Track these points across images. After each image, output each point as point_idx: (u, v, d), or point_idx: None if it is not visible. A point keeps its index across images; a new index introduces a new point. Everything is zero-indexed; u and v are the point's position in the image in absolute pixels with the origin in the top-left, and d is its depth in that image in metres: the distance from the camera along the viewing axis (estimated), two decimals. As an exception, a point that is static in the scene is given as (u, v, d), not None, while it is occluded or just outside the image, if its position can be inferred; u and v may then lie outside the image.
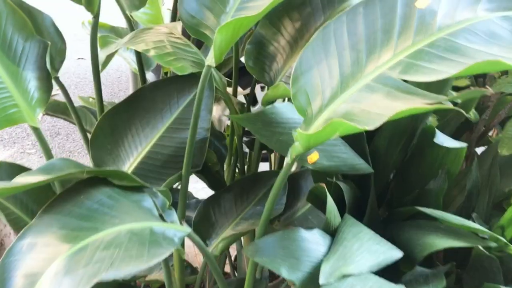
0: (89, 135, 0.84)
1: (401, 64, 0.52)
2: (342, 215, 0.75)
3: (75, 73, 3.52)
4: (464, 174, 0.91)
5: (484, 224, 0.89)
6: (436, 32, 0.51)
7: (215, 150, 0.98)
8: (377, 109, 0.48)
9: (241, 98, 1.41)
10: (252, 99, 1.17)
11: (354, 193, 0.80)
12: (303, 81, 0.59)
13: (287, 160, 0.58)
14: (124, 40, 0.85)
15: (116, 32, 1.32)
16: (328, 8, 0.80)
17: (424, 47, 0.51)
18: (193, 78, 0.79)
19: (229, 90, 1.18)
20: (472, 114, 0.84)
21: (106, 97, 3.18)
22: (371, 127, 0.42)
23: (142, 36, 0.84)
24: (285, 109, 0.69)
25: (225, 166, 1.08)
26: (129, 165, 0.80)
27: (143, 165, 0.79)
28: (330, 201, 0.63)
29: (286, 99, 1.02)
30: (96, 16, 0.81)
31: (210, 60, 0.69)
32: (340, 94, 0.55)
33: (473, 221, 0.89)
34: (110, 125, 0.79)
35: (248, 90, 1.45)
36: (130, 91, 1.71)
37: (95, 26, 0.81)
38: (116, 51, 0.86)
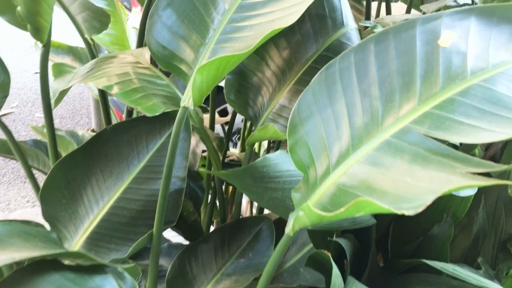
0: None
1: (428, 117, 0.42)
2: (341, 271, 0.65)
3: (32, 89, 3.29)
4: (468, 216, 0.83)
5: (490, 270, 0.81)
6: (470, 77, 0.42)
7: (190, 194, 0.86)
8: (409, 178, 0.37)
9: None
10: (231, 131, 1.06)
11: (355, 247, 0.70)
12: (303, 131, 0.48)
13: (287, 230, 0.47)
14: (81, 73, 0.71)
15: (75, 54, 1.18)
16: (320, 35, 0.70)
17: (456, 96, 0.42)
18: (164, 117, 0.67)
19: (205, 118, 1.07)
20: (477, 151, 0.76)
21: (66, 115, 2.98)
22: (411, 211, 0.32)
23: (103, 67, 0.71)
24: (279, 160, 0.58)
25: (201, 209, 0.96)
26: (88, 224, 0.66)
27: (106, 223, 0.66)
28: (335, 273, 0.53)
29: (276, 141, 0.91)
30: (46, 46, 0.67)
31: (188, 101, 0.58)
32: (352, 151, 0.45)
33: (479, 266, 0.80)
34: (65, 175, 0.66)
35: (228, 117, 1.34)
36: (92, 115, 1.56)
37: (45, 57, 0.68)
38: (71, 86, 0.73)
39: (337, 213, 0.35)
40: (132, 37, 1.16)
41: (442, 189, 0.32)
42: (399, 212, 0.33)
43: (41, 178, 0.71)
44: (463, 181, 0.34)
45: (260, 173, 0.56)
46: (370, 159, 0.43)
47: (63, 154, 1.08)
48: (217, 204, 1.02)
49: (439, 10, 0.94)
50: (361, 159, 0.43)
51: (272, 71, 0.75)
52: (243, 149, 1.27)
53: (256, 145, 1.31)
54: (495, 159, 0.79)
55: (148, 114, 0.62)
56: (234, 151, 1.18)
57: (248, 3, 0.59)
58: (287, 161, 0.58)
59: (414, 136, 0.41)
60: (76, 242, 0.67)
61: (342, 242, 0.64)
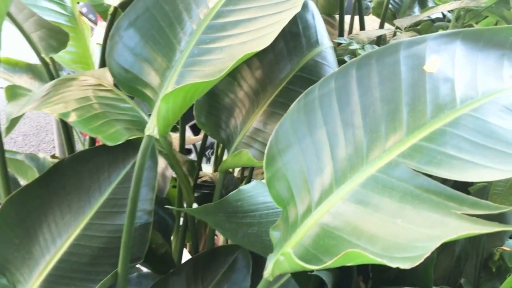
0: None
1: (418, 150, 0.38)
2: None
3: (-7, 105, 3.14)
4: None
5: (473, 291, 0.79)
6: (459, 106, 0.39)
7: (159, 222, 0.80)
8: (399, 220, 0.34)
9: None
10: (203, 148, 1.01)
11: (335, 277, 0.66)
12: (282, 162, 0.44)
13: (266, 274, 0.42)
14: (36, 97, 0.65)
15: (34, 72, 1.10)
16: (295, 54, 0.67)
17: (446, 127, 0.38)
18: (128, 145, 0.62)
19: (174, 137, 1.01)
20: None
21: (30, 132, 2.85)
22: (407, 264, 0.28)
23: (61, 91, 0.65)
24: (255, 192, 0.53)
25: (172, 238, 0.90)
26: (45, 265, 0.60)
27: (64, 263, 0.59)
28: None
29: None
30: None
31: (152, 130, 0.53)
32: (335, 187, 0.41)
33: (462, 287, 0.78)
34: (17, 212, 0.59)
35: (200, 137, 1.28)
36: (55, 135, 1.47)
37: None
38: (23, 113, 0.66)
39: (324, 266, 0.30)
40: (97, 54, 1.09)
41: (442, 237, 0.29)
42: (393, 265, 0.29)
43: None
44: (461, 227, 0.30)
45: (234, 208, 0.51)
46: (356, 196, 0.39)
47: (22, 181, 1.00)
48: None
49: (414, 25, 0.93)
50: (346, 196, 0.39)
51: (245, 92, 0.70)
52: (216, 168, 1.22)
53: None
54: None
55: (109, 143, 0.57)
56: (207, 172, 1.13)
57: (218, 24, 0.54)
58: (263, 192, 0.54)
59: (402, 171, 0.38)
60: (30, 286, 0.60)
61: (323, 274, 0.61)
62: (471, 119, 0.38)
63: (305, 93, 0.45)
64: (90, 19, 2.24)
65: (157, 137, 0.51)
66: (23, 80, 1.15)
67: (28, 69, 1.16)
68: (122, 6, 0.75)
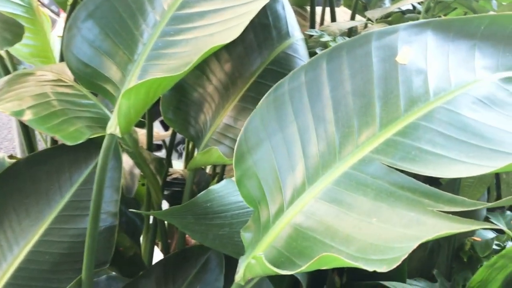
0: None
1: (391, 145, 0.37)
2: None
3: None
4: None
5: (446, 281, 0.79)
6: (433, 99, 0.38)
7: (127, 224, 0.77)
8: (374, 219, 0.32)
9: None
10: (171, 144, 0.97)
11: (310, 275, 0.65)
12: (252, 160, 0.42)
13: (237, 278, 0.40)
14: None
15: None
16: (265, 47, 0.64)
17: (420, 121, 0.37)
18: (90, 144, 0.58)
19: (141, 134, 0.97)
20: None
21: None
22: (384, 267, 0.27)
23: (15, 87, 0.61)
24: (225, 191, 0.51)
25: (141, 239, 0.87)
26: (1, 274, 0.56)
27: (22, 272, 0.56)
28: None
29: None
30: None
31: (114, 128, 0.49)
32: (308, 185, 0.39)
33: (435, 278, 0.78)
34: (-32, 218, 0.55)
35: (169, 132, 1.25)
36: (15, 133, 1.40)
37: None
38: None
39: (298, 271, 0.29)
40: (58, 47, 1.04)
41: (420, 238, 0.27)
42: (369, 269, 0.27)
43: None
44: (439, 226, 0.29)
45: (203, 209, 0.49)
46: (329, 194, 0.37)
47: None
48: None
49: (385, 17, 0.92)
50: (319, 195, 0.38)
51: (214, 86, 0.68)
52: (187, 165, 1.19)
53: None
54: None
55: (68, 143, 0.53)
56: (177, 168, 1.10)
57: (183, 14, 0.51)
58: (234, 192, 0.52)
59: (376, 167, 0.36)
60: (-13, 296, 0.56)
61: (298, 274, 0.59)
62: (444, 112, 0.37)
63: (274, 87, 0.43)
64: (52, 11, 2.14)
65: (119, 135, 0.48)
66: (-22, 76, 1.09)
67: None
68: (81, -3, 0.70)
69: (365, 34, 0.42)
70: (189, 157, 1.17)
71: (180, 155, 2.01)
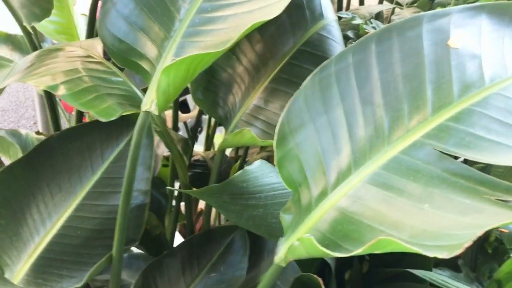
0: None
1: (444, 130, 0.36)
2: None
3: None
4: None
5: (470, 272, 0.79)
6: (488, 85, 0.36)
7: (152, 202, 0.77)
8: (426, 205, 0.31)
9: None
10: (196, 126, 0.97)
11: (338, 259, 0.65)
12: (294, 142, 0.41)
13: (277, 259, 0.40)
14: (19, 68, 0.60)
15: (14, 43, 1.03)
16: (298, 28, 0.63)
17: (474, 107, 0.36)
18: (122, 121, 0.58)
19: (167, 115, 0.97)
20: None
21: (9, 107, 2.73)
22: (445, 254, 0.26)
23: (47, 62, 0.60)
24: (260, 172, 0.51)
25: (165, 219, 0.87)
26: (34, 247, 0.56)
27: (55, 246, 0.56)
28: (327, 300, 0.47)
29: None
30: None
31: (150, 105, 0.49)
32: (354, 169, 0.38)
33: (460, 269, 0.78)
34: (2, 192, 0.55)
35: (194, 112, 1.24)
36: (37, 109, 1.40)
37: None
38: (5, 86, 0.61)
39: (353, 253, 0.28)
40: (81, 25, 1.03)
41: (482, 226, 0.27)
42: (429, 254, 0.27)
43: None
44: (501, 214, 0.28)
45: (239, 189, 0.48)
46: (377, 179, 0.36)
47: (4, 159, 0.95)
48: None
49: (412, 2, 0.90)
50: (366, 179, 0.37)
51: (244, 67, 0.67)
52: (207, 147, 1.19)
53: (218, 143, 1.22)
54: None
55: (102, 119, 0.53)
56: (198, 150, 1.10)
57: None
58: (268, 173, 0.51)
59: (428, 153, 0.35)
60: (19, 269, 0.56)
61: (329, 259, 0.59)
62: (501, 99, 0.35)
63: (320, 68, 0.42)
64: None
65: (156, 113, 0.47)
66: (3, 52, 1.08)
67: (8, 39, 1.09)
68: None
69: (415, 16, 0.41)
70: (209, 140, 1.17)
71: (195, 139, 2.01)
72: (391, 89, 0.39)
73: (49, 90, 0.53)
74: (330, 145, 0.40)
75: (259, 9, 0.46)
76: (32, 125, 2.54)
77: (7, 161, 0.87)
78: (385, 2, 1.00)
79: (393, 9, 0.97)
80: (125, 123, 0.59)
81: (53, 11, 0.91)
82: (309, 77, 0.42)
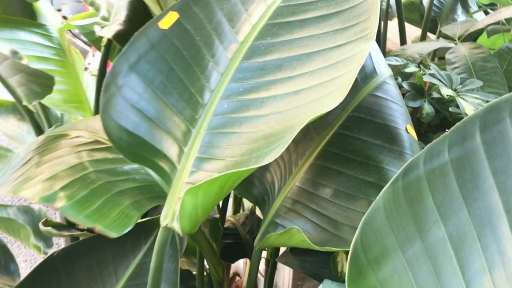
0: None
1: None
2: None
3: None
4: None
5: None
6: None
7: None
8: None
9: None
10: (225, 205, 0.85)
11: None
12: (376, 279, 0.29)
13: None
14: (12, 168, 0.50)
15: (22, 113, 0.95)
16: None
17: None
18: (138, 228, 0.46)
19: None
20: None
21: None
22: None
23: (47, 158, 0.50)
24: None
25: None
26: None
27: None
28: None
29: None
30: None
31: (171, 220, 0.37)
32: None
33: None
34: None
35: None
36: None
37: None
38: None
39: None
40: (92, 88, 0.94)
41: None
42: None
43: None
44: None
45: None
46: None
47: (15, 242, 0.85)
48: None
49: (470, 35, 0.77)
50: None
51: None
52: (236, 208, 1.06)
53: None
54: None
55: (114, 235, 0.41)
56: (228, 216, 0.97)
57: (254, 65, 0.39)
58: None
59: None
60: None
61: None
62: None
63: (403, 169, 0.30)
64: (83, 40, 2.08)
65: (180, 233, 0.35)
66: (10, 123, 1.00)
67: (15, 109, 1.02)
68: (118, 39, 0.60)
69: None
70: (237, 200, 1.04)
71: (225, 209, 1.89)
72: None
73: (44, 203, 0.42)
74: (432, 285, 0.27)
75: (311, 89, 0.35)
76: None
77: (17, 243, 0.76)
78: (429, 35, 0.88)
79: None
80: (142, 229, 0.47)
81: (58, 79, 0.83)
82: (389, 184, 0.30)
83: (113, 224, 0.42)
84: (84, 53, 1.76)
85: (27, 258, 1.70)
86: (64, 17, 1.04)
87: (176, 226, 0.36)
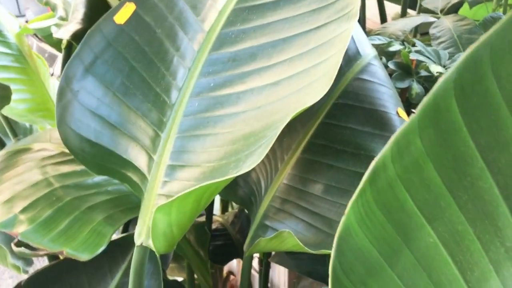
0: None
1: None
2: None
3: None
4: None
5: None
6: None
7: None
8: None
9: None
10: (211, 207, 0.80)
11: None
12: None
13: None
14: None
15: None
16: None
17: None
18: (113, 244, 0.42)
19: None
20: None
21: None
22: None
23: (8, 175, 0.45)
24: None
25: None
26: None
27: None
28: None
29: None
30: None
31: (146, 238, 0.33)
32: None
33: None
34: None
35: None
36: None
37: None
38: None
39: None
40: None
41: None
42: None
43: None
44: None
45: None
46: None
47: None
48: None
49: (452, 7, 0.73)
50: None
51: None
52: (224, 207, 1.02)
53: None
54: None
55: (84, 257, 0.37)
56: (215, 216, 0.93)
57: (224, 55, 0.34)
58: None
59: None
60: None
61: None
62: None
63: (368, 177, 0.25)
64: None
65: (157, 253, 0.31)
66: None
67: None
68: (76, 39, 0.54)
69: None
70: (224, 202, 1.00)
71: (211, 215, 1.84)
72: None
73: (4, 230, 0.37)
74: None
75: (288, 79, 0.30)
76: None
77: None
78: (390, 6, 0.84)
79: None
80: (119, 247, 0.43)
81: (20, 87, 0.77)
82: (354, 197, 0.26)
83: (83, 245, 0.38)
84: (54, 58, 1.69)
85: (13, 275, 1.64)
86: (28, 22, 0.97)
87: (152, 245, 0.32)
